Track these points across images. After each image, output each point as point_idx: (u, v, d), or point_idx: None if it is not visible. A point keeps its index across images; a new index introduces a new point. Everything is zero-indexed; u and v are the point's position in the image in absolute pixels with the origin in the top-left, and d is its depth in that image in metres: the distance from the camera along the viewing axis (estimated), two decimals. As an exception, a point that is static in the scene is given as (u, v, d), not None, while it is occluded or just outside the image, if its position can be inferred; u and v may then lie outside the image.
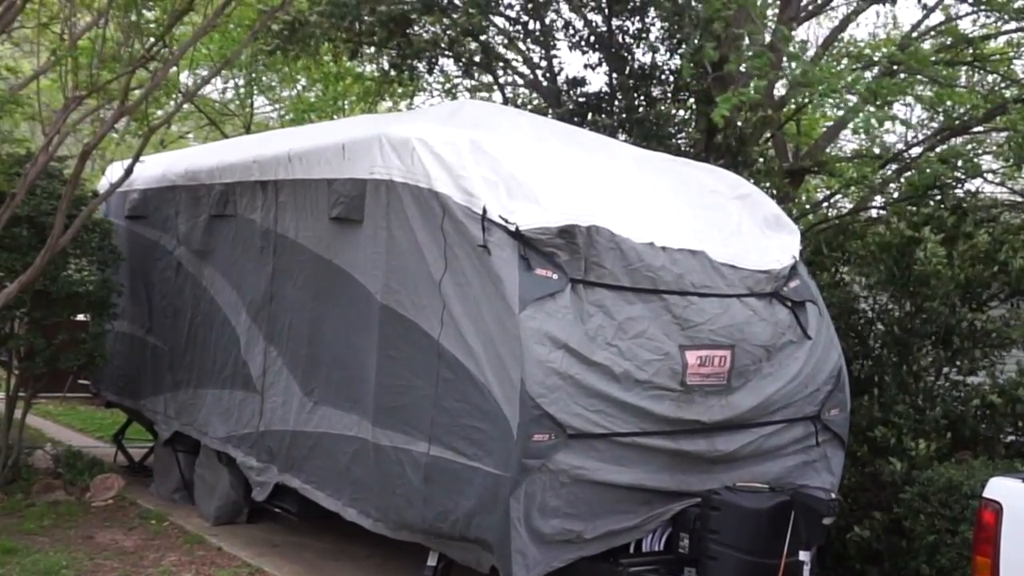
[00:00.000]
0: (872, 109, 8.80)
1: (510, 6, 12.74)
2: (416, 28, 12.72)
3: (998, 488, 4.91)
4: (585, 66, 12.21)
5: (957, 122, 11.62)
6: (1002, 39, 12.52)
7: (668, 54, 11.68)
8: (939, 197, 9.26)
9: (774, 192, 9.73)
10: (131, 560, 8.05)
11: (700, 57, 9.37)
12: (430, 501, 6.22)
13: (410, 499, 6.39)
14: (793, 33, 11.97)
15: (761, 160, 10.79)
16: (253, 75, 18.91)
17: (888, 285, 8.57)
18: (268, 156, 8.54)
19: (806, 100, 8.05)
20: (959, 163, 9.80)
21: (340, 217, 7.30)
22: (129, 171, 9.35)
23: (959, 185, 9.74)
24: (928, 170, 9.38)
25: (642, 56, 11.87)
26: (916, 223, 8.74)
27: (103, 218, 10.83)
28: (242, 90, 20.84)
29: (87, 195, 10.38)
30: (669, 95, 11.84)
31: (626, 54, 11.90)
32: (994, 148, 12.56)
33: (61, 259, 9.78)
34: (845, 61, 11.23)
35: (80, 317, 11.16)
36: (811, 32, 21.10)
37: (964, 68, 12.20)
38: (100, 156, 18.55)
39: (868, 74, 10.19)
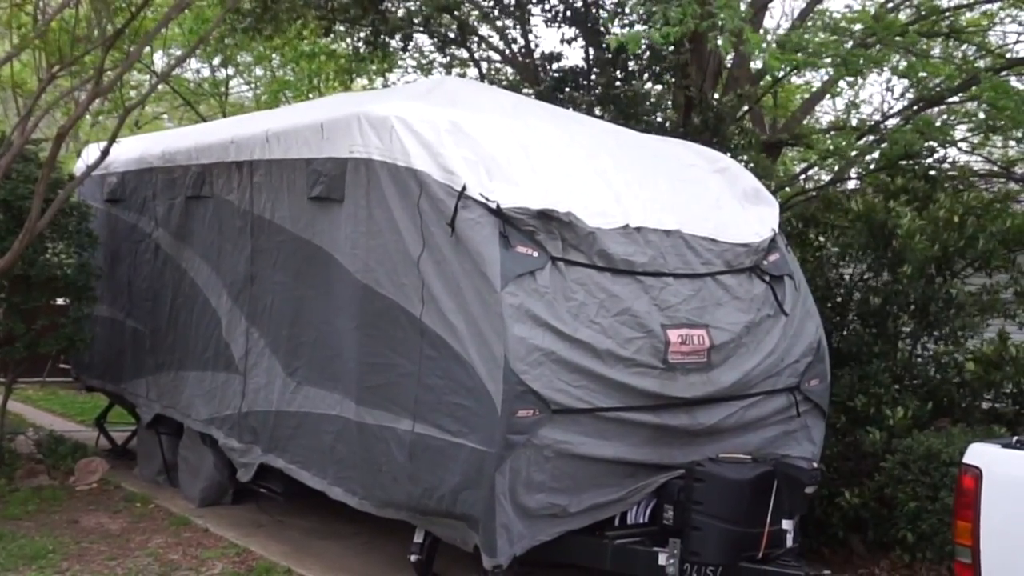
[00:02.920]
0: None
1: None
2: (390, 4, 12.66)
3: (977, 454, 4.98)
4: (561, 41, 12.18)
5: (932, 93, 11.70)
6: (978, 10, 12.58)
7: (645, 28, 11.65)
8: (912, 166, 9.32)
9: (752, 165, 9.76)
10: (117, 543, 8.05)
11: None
12: (415, 478, 6.25)
13: (396, 477, 6.41)
14: (771, 5, 11.99)
15: (739, 134, 10.82)
16: (227, 54, 18.75)
17: (866, 253, 8.64)
18: (245, 136, 8.50)
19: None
20: (933, 133, 9.87)
21: (320, 197, 7.28)
22: (105, 153, 9.28)
23: (931, 154, 9.80)
24: (899, 141, 9.44)
25: (619, 31, 11.84)
26: (892, 192, 8.80)
27: (80, 201, 10.75)
28: (218, 70, 20.69)
29: (64, 178, 10.31)
30: (645, 69, 11.82)
31: (602, 29, 11.88)
32: (967, 119, 12.63)
33: (39, 243, 9.72)
34: (822, 34, 11.24)
35: (60, 301, 11.09)
36: (787, 4, 21.07)
37: (940, 39, 12.25)
38: (75, 138, 18.41)
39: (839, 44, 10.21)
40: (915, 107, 12.39)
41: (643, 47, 11.57)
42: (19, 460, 10.41)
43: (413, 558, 6.72)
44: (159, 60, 17.53)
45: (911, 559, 7.31)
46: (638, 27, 8.10)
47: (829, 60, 9.20)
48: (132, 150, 10.63)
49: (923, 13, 11.47)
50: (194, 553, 7.83)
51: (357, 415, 6.73)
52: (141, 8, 8.70)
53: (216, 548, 7.97)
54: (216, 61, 19.95)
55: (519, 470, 5.75)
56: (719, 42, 7.81)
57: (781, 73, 12.48)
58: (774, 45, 8.55)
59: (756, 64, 11.52)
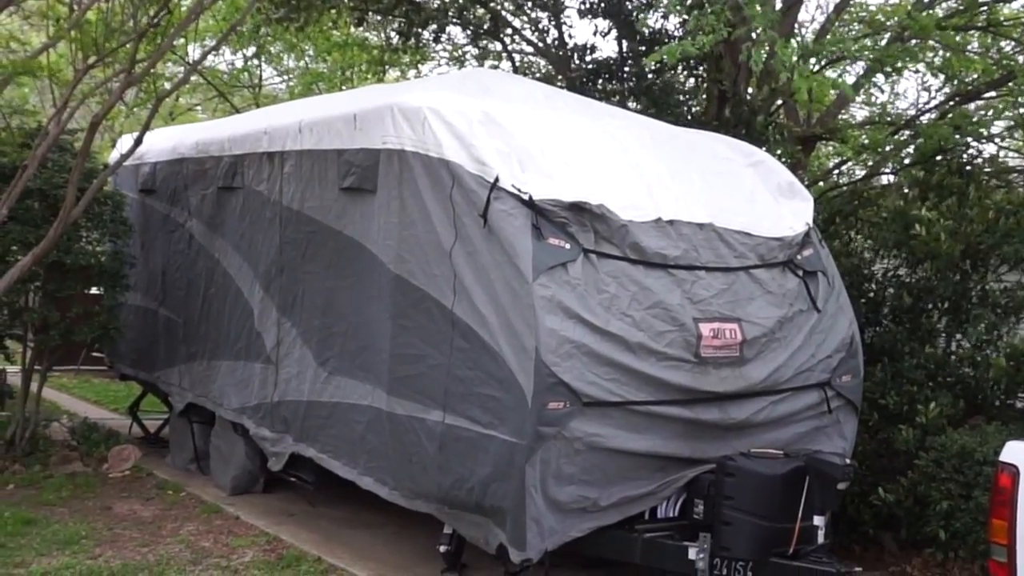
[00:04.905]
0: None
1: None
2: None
3: (1014, 452, 4.92)
4: (595, 33, 12.13)
5: (970, 88, 11.56)
6: (1017, 3, 12.42)
7: (680, 20, 11.60)
8: (946, 161, 9.22)
9: (786, 160, 9.69)
10: (149, 530, 8.13)
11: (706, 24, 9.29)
12: (446, 469, 6.26)
13: (426, 467, 6.42)
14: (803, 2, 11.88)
15: (771, 128, 10.74)
16: (260, 44, 18.83)
17: (896, 249, 8.56)
18: (278, 127, 8.53)
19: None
20: (966, 128, 9.75)
21: (352, 187, 7.30)
22: (138, 142, 9.35)
23: (966, 149, 9.70)
24: (934, 136, 9.34)
25: (653, 23, 11.79)
26: (927, 186, 8.72)
27: (115, 191, 10.85)
28: (251, 61, 20.77)
29: (98, 167, 10.40)
30: (679, 62, 11.75)
31: (636, 21, 11.83)
32: (1007, 114, 12.48)
33: (74, 231, 9.82)
34: (857, 26, 11.15)
35: (94, 290, 11.20)
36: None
37: (977, 33, 12.10)
38: (109, 128, 18.57)
39: (876, 41, 10.13)
40: (951, 102, 12.24)
41: (676, 39, 11.54)
42: (53, 447, 10.52)
43: (442, 548, 6.76)
44: (194, 52, 17.63)
45: (944, 557, 7.24)
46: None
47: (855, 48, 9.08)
48: (166, 141, 10.72)
49: (961, 8, 11.34)
50: (225, 541, 7.89)
51: (388, 405, 6.75)
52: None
53: (247, 536, 8.02)
54: (250, 52, 20.03)
55: (549, 462, 5.75)
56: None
57: (816, 68, 12.37)
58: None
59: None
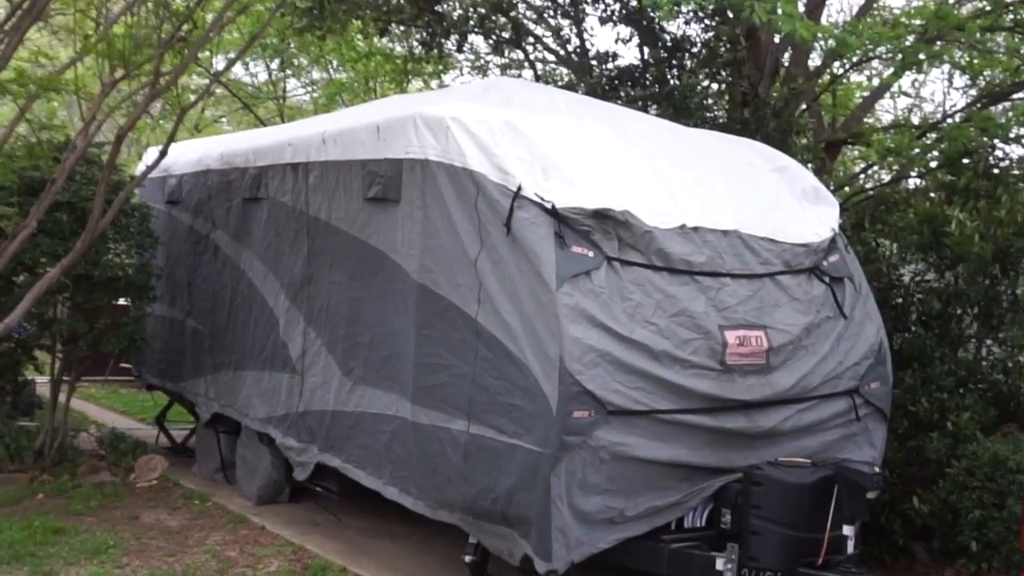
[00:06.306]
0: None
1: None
2: (445, 5, 12.68)
3: (1046, 460, 4.85)
4: (616, 40, 12.10)
5: (996, 89, 11.43)
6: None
7: (703, 27, 11.55)
8: (972, 164, 9.11)
9: (810, 162, 9.62)
10: (176, 539, 8.16)
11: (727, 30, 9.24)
12: (470, 479, 6.23)
13: (450, 477, 6.41)
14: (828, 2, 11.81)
15: (796, 132, 10.65)
16: (283, 58, 18.93)
17: (926, 253, 8.47)
18: (302, 138, 8.57)
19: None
20: (993, 130, 9.64)
21: (376, 197, 7.30)
22: (163, 153, 9.43)
23: (992, 151, 9.58)
24: (958, 139, 9.23)
25: (675, 29, 11.75)
26: (954, 189, 8.62)
27: (141, 203, 10.93)
28: (275, 73, 20.88)
29: (125, 180, 10.49)
30: (703, 66, 11.69)
31: (658, 27, 11.78)
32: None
33: (102, 244, 9.90)
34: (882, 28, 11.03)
35: (121, 301, 11.29)
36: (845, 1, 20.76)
37: (1004, 34, 11.96)
38: (136, 142, 18.71)
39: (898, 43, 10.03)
40: (979, 104, 12.12)
41: (699, 45, 11.50)
42: (81, 457, 10.60)
43: (467, 559, 6.72)
44: (219, 64, 17.75)
45: (976, 568, 7.13)
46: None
47: (881, 49, 9.00)
48: (191, 153, 10.80)
49: (988, 9, 11.21)
50: (251, 551, 7.91)
51: (412, 415, 6.74)
52: (196, 7, 8.81)
53: (272, 546, 8.04)
54: (275, 65, 20.14)
55: (575, 472, 5.71)
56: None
57: (840, 70, 12.30)
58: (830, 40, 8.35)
59: (817, 55, 11.32)
